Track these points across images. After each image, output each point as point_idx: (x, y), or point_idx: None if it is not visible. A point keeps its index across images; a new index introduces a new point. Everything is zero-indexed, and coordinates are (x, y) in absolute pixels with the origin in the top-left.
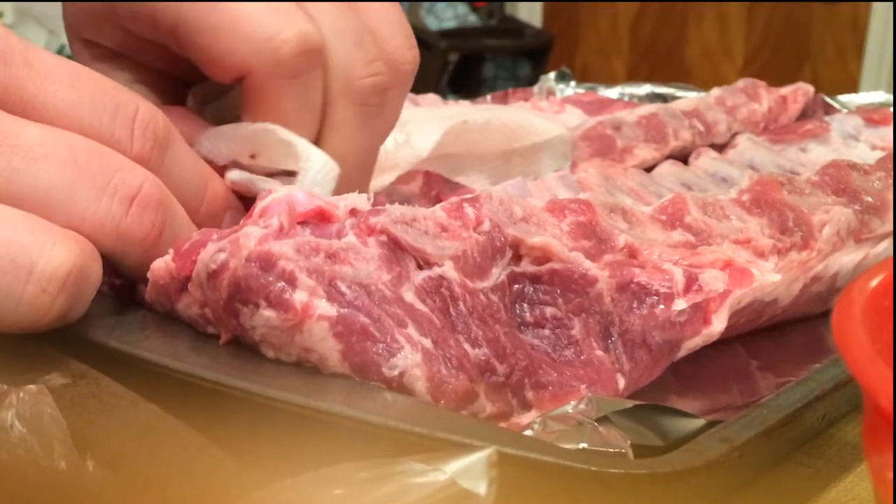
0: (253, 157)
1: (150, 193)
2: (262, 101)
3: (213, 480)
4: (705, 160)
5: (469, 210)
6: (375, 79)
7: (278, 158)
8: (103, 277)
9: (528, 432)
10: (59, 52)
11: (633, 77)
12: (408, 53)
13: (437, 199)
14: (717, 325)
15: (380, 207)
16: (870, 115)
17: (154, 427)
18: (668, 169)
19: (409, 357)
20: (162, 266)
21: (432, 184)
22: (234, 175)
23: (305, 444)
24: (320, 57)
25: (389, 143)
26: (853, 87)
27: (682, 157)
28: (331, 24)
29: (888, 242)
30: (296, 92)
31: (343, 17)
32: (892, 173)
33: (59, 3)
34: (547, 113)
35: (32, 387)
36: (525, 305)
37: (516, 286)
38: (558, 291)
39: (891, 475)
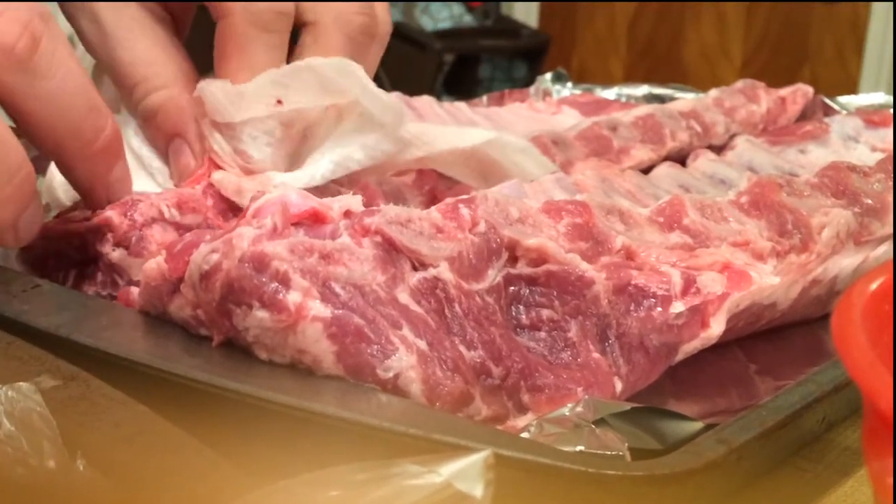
0: (279, 102)
1: (19, 14)
2: (233, 46)
3: (207, 483)
4: (703, 162)
5: (464, 211)
6: (365, 19)
7: (310, 96)
8: (93, 285)
9: (524, 435)
10: None
11: (630, 78)
12: (387, 17)
13: (431, 194)
14: (716, 328)
15: (374, 208)
16: (870, 117)
17: (146, 429)
18: (666, 171)
19: (403, 359)
20: (154, 267)
21: (425, 178)
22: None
23: (299, 446)
24: (291, 20)
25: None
26: (852, 88)
27: (680, 158)
28: None
29: (888, 245)
30: (265, 43)
31: None
32: (892, 175)
33: (51, 3)
34: (544, 114)
35: (21, 384)
36: (521, 307)
37: (512, 288)
38: (555, 293)
39: (891, 480)
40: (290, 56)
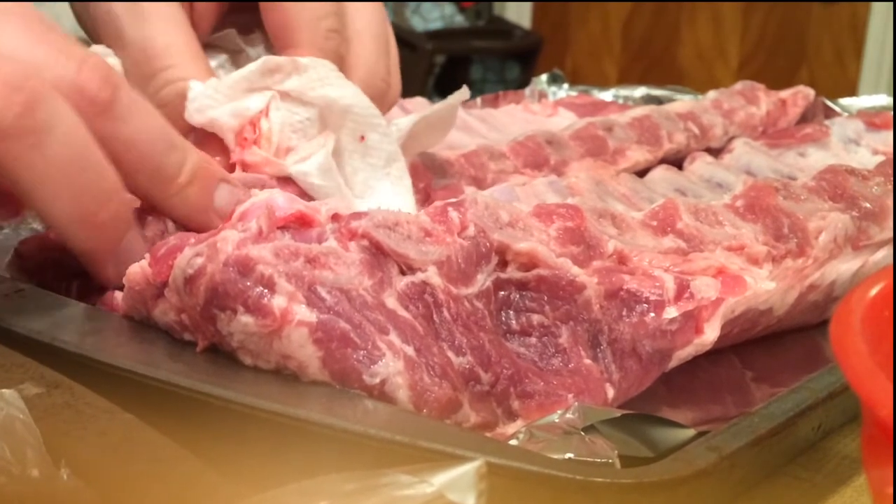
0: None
1: (100, 63)
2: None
3: (193, 492)
4: (700, 165)
5: (454, 214)
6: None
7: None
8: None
9: (513, 442)
10: None
11: (624, 79)
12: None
13: (425, 193)
14: (710, 334)
15: (362, 211)
16: (871, 119)
17: (131, 438)
18: (662, 174)
19: (390, 365)
20: (138, 271)
21: (420, 176)
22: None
23: (287, 453)
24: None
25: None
26: (852, 91)
27: (678, 161)
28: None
29: (887, 250)
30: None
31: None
32: (891, 179)
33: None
34: (539, 116)
35: (4, 391)
36: (511, 313)
37: (502, 293)
38: (545, 298)
39: (891, 490)
40: None
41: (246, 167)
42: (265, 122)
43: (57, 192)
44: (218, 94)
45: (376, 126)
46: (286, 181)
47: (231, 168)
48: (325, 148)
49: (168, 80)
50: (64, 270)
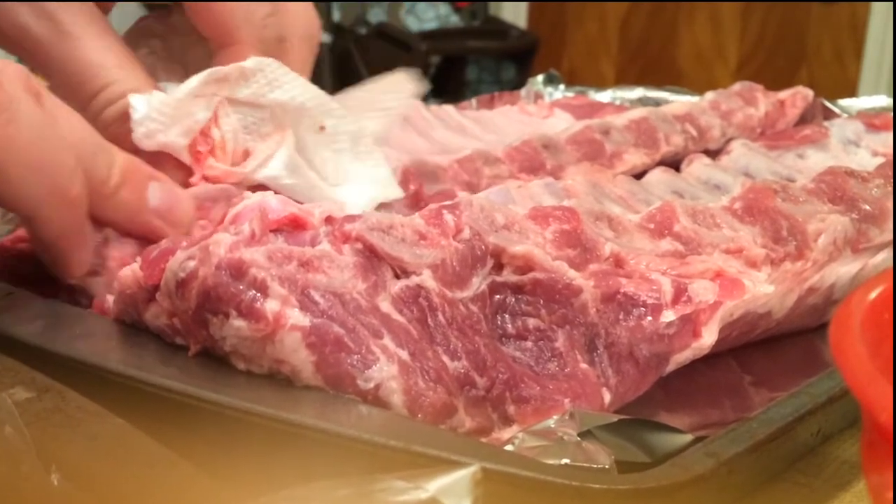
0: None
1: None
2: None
3: (185, 497)
4: (698, 167)
5: (448, 217)
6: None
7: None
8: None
9: (508, 447)
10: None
11: (622, 80)
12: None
13: (417, 196)
14: (708, 337)
15: (356, 214)
16: (871, 120)
17: (122, 442)
18: (659, 176)
19: (384, 369)
20: (129, 274)
21: (411, 179)
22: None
23: (280, 459)
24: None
25: None
26: (852, 91)
27: (675, 163)
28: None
29: (887, 252)
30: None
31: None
32: (891, 180)
33: None
34: (535, 118)
35: None
36: (507, 316)
37: (497, 296)
38: (541, 302)
39: (890, 495)
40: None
41: (208, 180)
42: (216, 132)
43: (36, 166)
44: (163, 115)
45: (331, 111)
46: (259, 187)
47: (191, 185)
48: (285, 146)
49: (109, 100)
50: (17, 278)
